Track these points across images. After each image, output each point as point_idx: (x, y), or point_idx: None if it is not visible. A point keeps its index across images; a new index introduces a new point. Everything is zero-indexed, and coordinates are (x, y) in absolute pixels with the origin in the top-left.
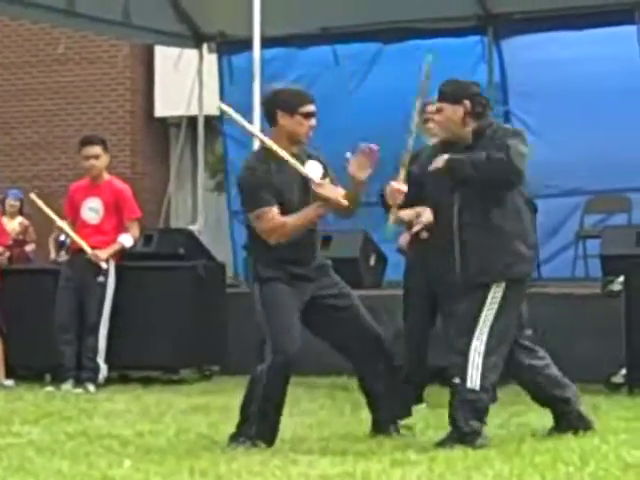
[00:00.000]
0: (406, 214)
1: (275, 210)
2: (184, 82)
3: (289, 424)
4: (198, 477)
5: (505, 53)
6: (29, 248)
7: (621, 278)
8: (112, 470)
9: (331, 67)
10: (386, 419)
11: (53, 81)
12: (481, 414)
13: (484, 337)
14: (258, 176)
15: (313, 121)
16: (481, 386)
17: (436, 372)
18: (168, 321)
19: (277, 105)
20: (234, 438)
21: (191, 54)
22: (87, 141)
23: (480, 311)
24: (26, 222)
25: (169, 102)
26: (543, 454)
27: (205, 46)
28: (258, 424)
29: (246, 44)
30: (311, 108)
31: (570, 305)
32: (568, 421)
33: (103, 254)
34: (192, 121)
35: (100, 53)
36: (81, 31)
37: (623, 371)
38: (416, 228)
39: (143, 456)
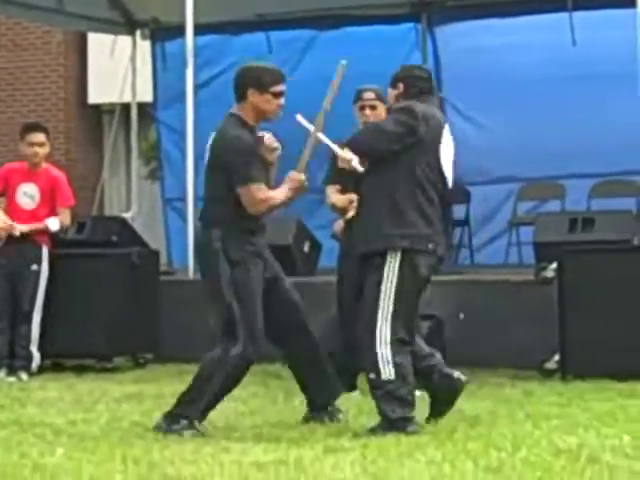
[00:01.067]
0: (339, 200)
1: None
2: (117, 69)
3: (221, 411)
4: (131, 465)
5: (439, 40)
6: None
7: (554, 265)
8: (44, 459)
9: (264, 54)
10: (319, 402)
11: None
12: (405, 401)
13: (387, 326)
14: (249, 144)
15: (282, 100)
16: (396, 374)
17: None
18: (101, 309)
19: (248, 82)
20: (173, 420)
21: (124, 41)
22: (32, 128)
23: (377, 300)
24: None
25: (102, 89)
26: (476, 440)
27: (138, 33)
28: (205, 407)
29: (179, 30)
30: (281, 87)
31: (504, 291)
32: (439, 385)
33: (23, 227)
34: (125, 108)
35: (33, 40)
36: (14, 18)
37: (556, 357)
38: (350, 214)
39: (76, 444)
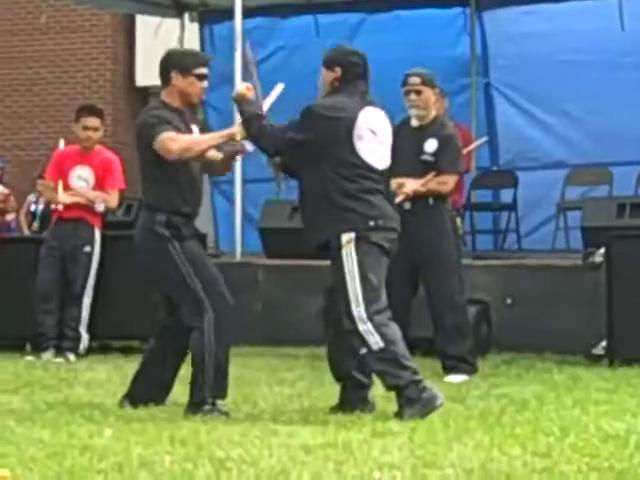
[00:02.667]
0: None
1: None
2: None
3: (268, 394)
4: (178, 446)
5: (487, 25)
6: (10, 217)
7: (602, 250)
8: (93, 439)
9: (312, 38)
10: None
11: (34, 50)
12: (403, 364)
13: (360, 303)
14: (155, 114)
15: (205, 83)
16: (385, 341)
17: (417, 343)
18: (148, 290)
19: (171, 65)
20: (194, 407)
21: (173, 23)
22: (88, 111)
23: (345, 285)
24: (6, 191)
25: (150, 71)
26: (523, 425)
27: (187, 15)
28: (215, 384)
29: (228, 13)
30: (204, 70)
31: (551, 276)
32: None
33: (65, 198)
34: None
35: (81, 22)
36: (62, 0)
37: (603, 343)
38: (399, 199)
39: (124, 426)
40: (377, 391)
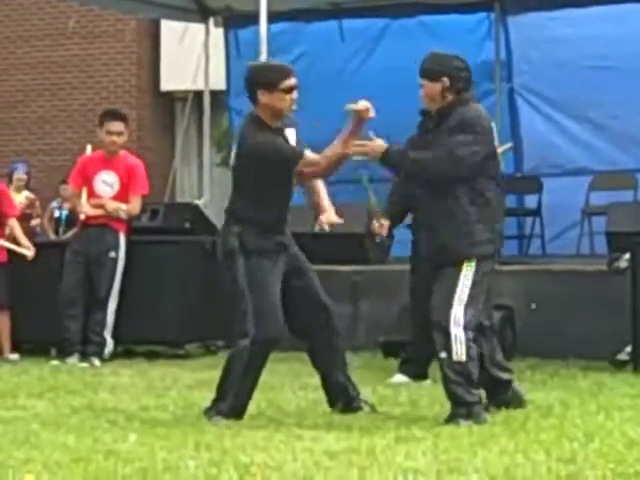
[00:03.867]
0: None
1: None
2: (190, 56)
3: (292, 399)
4: (203, 451)
5: (511, 30)
6: (35, 222)
7: (627, 255)
8: (117, 444)
9: (337, 43)
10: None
11: (59, 55)
12: (473, 383)
13: (461, 310)
14: (270, 148)
15: (294, 94)
16: (467, 356)
17: None
18: (173, 296)
19: (257, 83)
20: (208, 412)
21: (197, 28)
22: (112, 116)
23: (455, 286)
24: (32, 196)
25: (175, 76)
26: (548, 430)
27: (211, 20)
28: (233, 401)
29: (253, 18)
30: (291, 82)
31: (576, 282)
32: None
33: (88, 210)
34: (198, 95)
35: (106, 27)
36: (88, 5)
37: (628, 348)
38: None
39: (148, 430)
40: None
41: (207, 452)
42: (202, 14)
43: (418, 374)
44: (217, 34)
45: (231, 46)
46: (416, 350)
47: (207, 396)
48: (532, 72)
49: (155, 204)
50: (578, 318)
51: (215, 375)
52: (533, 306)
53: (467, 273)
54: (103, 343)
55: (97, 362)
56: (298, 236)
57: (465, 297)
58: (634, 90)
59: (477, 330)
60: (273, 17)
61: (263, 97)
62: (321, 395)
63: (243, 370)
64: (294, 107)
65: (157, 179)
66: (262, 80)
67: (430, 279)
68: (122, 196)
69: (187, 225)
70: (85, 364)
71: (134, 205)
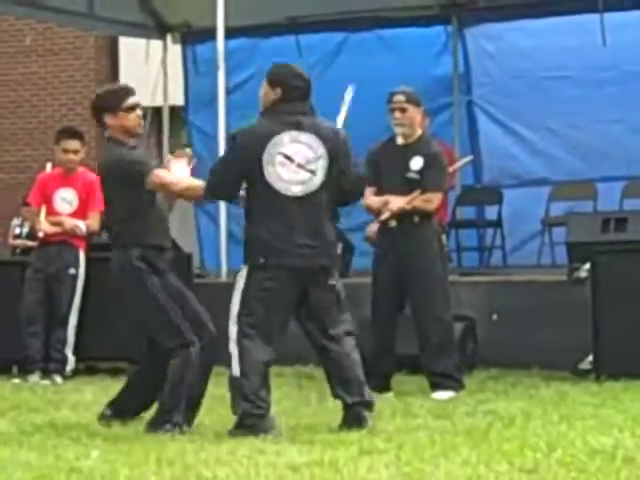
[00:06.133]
0: (375, 201)
1: None
2: (149, 73)
3: None
4: (166, 467)
5: (469, 42)
6: None
7: (587, 265)
8: (80, 461)
9: (294, 57)
10: None
11: (18, 73)
12: (248, 399)
13: (234, 323)
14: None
15: (139, 111)
16: (241, 372)
17: (403, 360)
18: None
19: (101, 108)
20: (157, 425)
21: (156, 45)
22: (67, 134)
23: (232, 297)
24: None
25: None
26: (511, 440)
27: (169, 37)
28: (187, 411)
29: (210, 34)
30: (133, 100)
31: (537, 292)
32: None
33: (47, 228)
34: (157, 111)
35: (64, 45)
36: (45, 23)
37: (590, 358)
38: (384, 216)
39: (111, 447)
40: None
41: (169, 468)
42: (160, 31)
43: (381, 386)
44: (175, 50)
45: (189, 62)
46: (377, 362)
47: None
48: (491, 84)
49: None
50: (539, 328)
51: None
52: (494, 317)
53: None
54: (65, 360)
55: (59, 379)
56: None
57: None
58: (592, 100)
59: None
60: (230, 33)
61: (110, 120)
62: (284, 409)
63: (196, 375)
64: (141, 125)
65: None
66: (105, 104)
67: (391, 292)
68: (81, 213)
69: None
70: (47, 381)
71: (93, 221)
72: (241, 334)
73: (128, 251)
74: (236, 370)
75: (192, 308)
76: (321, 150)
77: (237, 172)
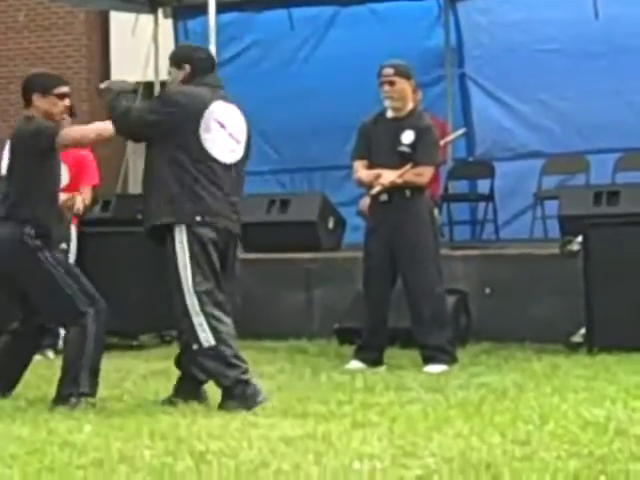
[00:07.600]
0: (366, 175)
1: None
2: (140, 48)
3: None
4: (159, 440)
5: (461, 16)
6: None
7: (579, 238)
8: (72, 435)
9: (287, 31)
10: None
11: (8, 48)
12: (232, 363)
13: (193, 295)
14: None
15: (67, 102)
16: (216, 340)
17: (396, 334)
18: (126, 287)
19: (32, 87)
20: (62, 399)
21: (146, 19)
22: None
23: (177, 268)
24: None
25: (125, 68)
26: (503, 413)
27: (160, 11)
28: (92, 378)
29: (202, 8)
30: (65, 89)
31: (529, 265)
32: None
33: None
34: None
35: (56, 20)
36: None
37: (582, 330)
38: (375, 190)
39: (103, 421)
40: (355, 382)
41: (162, 441)
42: (151, 5)
43: (374, 360)
44: (166, 25)
45: (180, 37)
46: (371, 336)
47: (162, 386)
48: (483, 57)
49: (107, 195)
50: (532, 302)
51: (169, 365)
52: (487, 290)
53: None
54: (57, 335)
55: (51, 354)
56: (250, 225)
57: None
58: (584, 72)
59: None
60: (222, 7)
61: (37, 100)
62: (277, 383)
63: (95, 344)
64: (66, 113)
65: (109, 171)
66: (39, 84)
67: (383, 266)
68: (72, 188)
69: (139, 216)
70: (39, 357)
71: (86, 195)
72: (202, 303)
73: (22, 227)
74: (208, 340)
75: (82, 282)
76: (243, 123)
77: (165, 123)
